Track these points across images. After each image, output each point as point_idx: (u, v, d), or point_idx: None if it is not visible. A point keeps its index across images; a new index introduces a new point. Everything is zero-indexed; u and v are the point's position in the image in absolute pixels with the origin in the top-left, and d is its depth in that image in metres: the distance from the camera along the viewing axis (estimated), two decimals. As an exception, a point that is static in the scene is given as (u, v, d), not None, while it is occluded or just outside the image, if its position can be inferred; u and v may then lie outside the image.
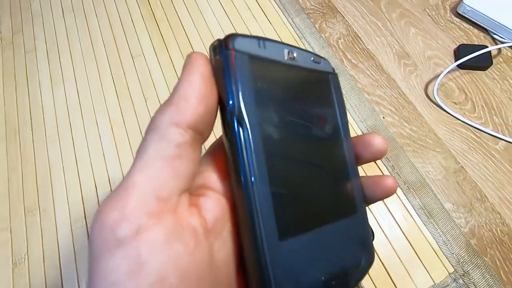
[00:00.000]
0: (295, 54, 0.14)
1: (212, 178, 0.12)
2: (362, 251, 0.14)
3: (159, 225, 0.10)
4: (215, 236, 0.11)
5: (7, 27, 0.47)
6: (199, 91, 0.11)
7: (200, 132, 0.11)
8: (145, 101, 0.38)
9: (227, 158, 0.12)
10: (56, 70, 0.42)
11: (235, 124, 0.11)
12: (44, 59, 0.43)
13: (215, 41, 0.12)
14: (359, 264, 0.14)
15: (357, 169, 0.16)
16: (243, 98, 0.11)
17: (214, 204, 0.12)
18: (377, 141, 0.15)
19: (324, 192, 0.14)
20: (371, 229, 0.30)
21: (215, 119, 0.12)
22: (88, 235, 0.32)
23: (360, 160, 0.16)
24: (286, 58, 0.14)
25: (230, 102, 0.11)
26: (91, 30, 0.45)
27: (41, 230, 0.32)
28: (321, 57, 0.16)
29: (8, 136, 0.38)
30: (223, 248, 0.12)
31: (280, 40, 0.15)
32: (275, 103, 0.13)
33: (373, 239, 0.29)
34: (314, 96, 0.15)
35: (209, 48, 0.13)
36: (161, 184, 0.10)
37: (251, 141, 0.11)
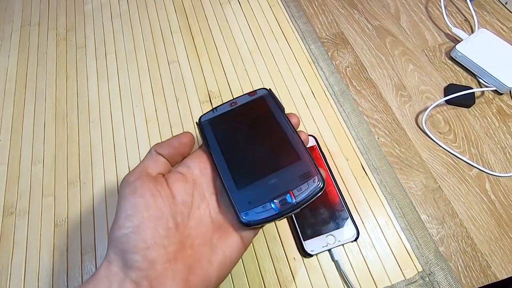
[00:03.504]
0: (236, 101, 0.27)
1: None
2: (306, 180, 0.22)
3: (145, 177, 0.22)
4: (173, 186, 0.23)
5: (62, 25, 0.54)
6: (176, 147, 0.25)
7: (171, 160, 0.25)
8: (177, 102, 0.45)
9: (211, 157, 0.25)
10: (102, 66, 0.49)
11: (208, 147, 0.25)
12: (92, 55, 0.50)
13: (196, 122, 0.27)
14: (306, 188, 0.22)
15: (297, 136, 0.24)
16: (208, 137, 0.26)
17: (177, 176, 0.24)
18: (294, 120, 0.26)
19: (270, 156, 0.24)
20: (357, 229, 0.36)
21: (180, 158, 0.25)
22: (120, 208, 0.38)
23: None
24: (230, 107, 0.27)
25: (204, 141, 0.26)
26: (135, 36, 0.52)
27: (80, 200, 0.38)
28: (255, 90, 0.27)
29: (57, 118, 0.44)
30: (178, 192, 0.23)
31: (228, 99, 0.29)
32: (229, 131, 0.25)
33: (357, 238, 0.35)
34: (254, 113, 0.26)
35: (196, 123, 0.27)
36: (148, 168, 0.23)
37: (212, 148, 0.25)
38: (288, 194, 0.22)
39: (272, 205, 0.21)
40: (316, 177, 0.22)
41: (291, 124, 0.25)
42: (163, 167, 0.23)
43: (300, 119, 0.32)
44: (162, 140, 0.25)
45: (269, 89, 0.27)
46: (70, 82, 0.48)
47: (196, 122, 0.27)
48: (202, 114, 0.27)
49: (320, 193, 0.22)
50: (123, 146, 0.42)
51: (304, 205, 0.22)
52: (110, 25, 0.53)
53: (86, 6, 0.56)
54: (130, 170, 0.41)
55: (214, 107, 0.27)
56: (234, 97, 0.28)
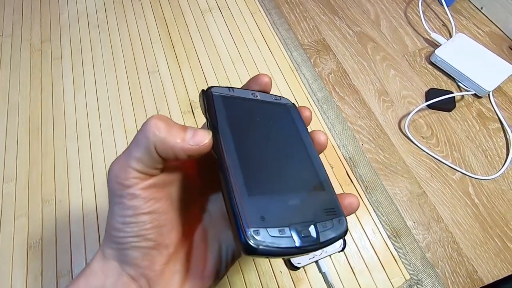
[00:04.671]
0: (258, 95, 0.21)
1: None
2: (331, 218, 0.17)
3: (142, 182, 0.17)
4: (170, 188, 0.19)
5: (37, 35, 0.52)
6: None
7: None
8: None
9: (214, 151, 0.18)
10: (79, 77, 0.47)
11: (216, 127, 0.18)
12: (68, 66, 0.48)
13: (202, 90, 0.20)
14: (331, 227, 0.17)
15: (322, 164, 0.20)
16: (219, 116, 0.18)
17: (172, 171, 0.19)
18: (322, 138, 0.21)
19: (290, 172, 0.19)
20: (344, 239, 0.35)
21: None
22: (98, 226, 0.36)
23: None
24: (251, 96, 0.21)
25: (213, 119, 0.18)
26: (113, 46, 0.50)
27: (55, 219, 0.37)
28: (281, 96, 0.22)
29: (31, 132, 0.42)
30: (176, 192, 0.19)
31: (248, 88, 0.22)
32: (246, 120, 0.19)
33: (344, 247, 0.34)
34: (277, 116, 0.21)
35: (200, 93, 0.20)
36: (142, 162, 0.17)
37: (221, 138, 0.17)
38: (313, 226, 0.16)
39: (292, 233, 0.15)
40: (342, 217, 0.18)
41: (315, 147, 0.20)
42: (157, 170, 0.17)
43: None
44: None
45: (293, 104, 0.22)
46: (45, 95, 0.46)
47: (203, 90, 0.20)
48: (213, 86, 0.20)
49: (341, 239, 0.17)
50: (101, 160, 0.40)
51: (324, 247, 0.17)
52: (87, 35, 0.52)
53: (62, 16, 0.54)
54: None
55: (230, 86, 0.21)
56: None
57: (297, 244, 0.15)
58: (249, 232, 0.14)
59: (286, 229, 0.15)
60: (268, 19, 0.52)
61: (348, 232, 0.31)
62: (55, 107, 0.45)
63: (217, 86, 0.20)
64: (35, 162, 0.40)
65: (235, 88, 0.20)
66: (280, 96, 0.22)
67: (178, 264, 0.19)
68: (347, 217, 0.18)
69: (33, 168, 0.40)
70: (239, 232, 0.15)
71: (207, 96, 0.19)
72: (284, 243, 0.15)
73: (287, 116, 0.21)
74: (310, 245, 0.16)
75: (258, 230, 0.15)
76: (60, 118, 0.44)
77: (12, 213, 0.37)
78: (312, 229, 0.16)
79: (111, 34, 0.52)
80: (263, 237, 0.15)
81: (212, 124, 0.18)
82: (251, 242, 0.14)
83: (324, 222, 0.17)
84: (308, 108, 0.22)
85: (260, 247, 0.14)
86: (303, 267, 0.33)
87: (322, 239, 0.16)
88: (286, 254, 0.15)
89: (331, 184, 0.19)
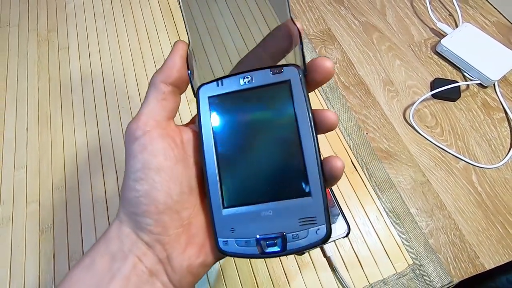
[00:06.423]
0: (251, 77, 0.19)
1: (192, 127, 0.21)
2: (307, 227, 0.17)
3: (154, 131, 0.18)
4: (186, 147, 0.19)
5: (44, 25, 0.52)
6: (177, 65, 0.19)
7: (178, 87, 0.19)
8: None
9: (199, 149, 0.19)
10: (86, 67, 0.48)
11: (200, 132, 0.19)
12: (75, 56, 0.49)
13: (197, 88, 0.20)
14: (303, 237, 0.17)
15: (318, 161, 0.17)
16: (203, 120, 0.19)
17: (190, 133, 0.20)
18: (328, 64, 0.18)
19: (272, 179, 0.18)
20: (348, 225, 0.36)
21: (187, 81, 0.20)
22: (108, 212, 0.37)
23: (313, 83, 0.18)
24: (241, 84, 0.19)
25: (198, 126, 0.19)
26: (119, 35, 0.51)
27: (66, 205, 0.37)
28: (282, 66, 0.19)
29: (40, 121, 0.43)
30: (191, 153, 0.20)
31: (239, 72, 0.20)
32: (230, 122, 0.19)
33: (349, 233, 0.35)
34: (270, 104, 0.19)
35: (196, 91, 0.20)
36: (155, 113, 0.19)
37: (204, 142, 0.19)
38: (280, 239, 0.17)
39: (258, 244, 0.17)
40: (321, 227, 0.17)
41: (317, 140, 0.17)
42: (172, 102, 0.19)
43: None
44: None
45: (302, 69, 0.18)
46: (52, 84, 0.46)
47: (196, 90, 0.20)
48: (203, 83, 0.20)
49: (318, 246, 0.17)
50: (109, 148, 0.41)
51: (291, 254, 0.18)
52: (94, 24, 0.52)
53: (68, 6, 0.54)
54: (117, 170, 0.42)
55: (221, 76, 0.20)
56: (250, 70, 0.19)
57: (261, 253, 0.17)
58: (220, 242, 0.18)
59: (252, 240, 0.17)
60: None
61: (350, 228, 0.33)
62: (63, 96, 0.45)
63: (205, 84, 0.20)
64: (45, 150, 0.41)
65: (225, 78, 0.19)
66: (282, 66, 0.19)
67: (194, 228, 0.19)
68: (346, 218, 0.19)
69: (43, 156, 0.41)
70: (214, 238, 0.18)
71: (196, 99, 0.20)
72: (249, 251, 0.18)
73: (284, 100, 0.18)
74: (272, 254, 0.17)
75: (227, 240, 0.18)
76: (68, 107, 0.44)
77: (24, 199, 0.38)
78: (279, 241, 0.17)
79: (117, 23, 0.52)
80: (230, 246, 0.18)
81: (197, 126, 0.19)
82: (221, 249, 0.18)
83: (296, 232, 0.17)
84: (328, 58, 0.18)
85: (228, 252, 0.18)
86: (308, 251, 0.34)
87: (289, 248, 0.17)
88: (252, 258, 0.19)
89: (323, 187, 0.17)
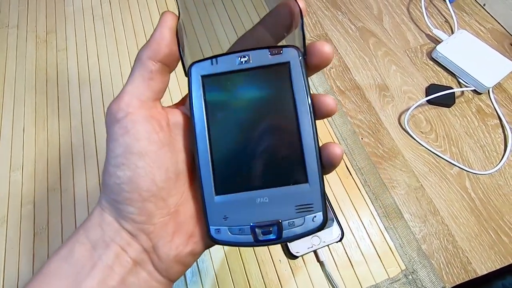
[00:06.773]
0: (249, 56, 0.17)
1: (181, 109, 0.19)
2: (303, 215, 0.17)
3: (138, 112, 0.16)
4: (174, 130, 0.18)
5: (42, 27, 0.53)
6: (166, 39, 0.17)
7: (167, 64, 0.17)
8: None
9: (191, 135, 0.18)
10: (83, 69, 0.48)
11: (192, 115, 0.17)
12: (73, 58, 0.49)
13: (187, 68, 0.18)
14: (299, 225, 0.17)
15: (316, 147, 0.17)
16: (195, 101, 0.18)
17: (178, 115, 0.18)
18: (326, 48, 0.17)
19: (268, 164, 0.17)
20: (342, 230, 0.36)
21: (178, 58, 0.18)
22: (103, 214, 0.37)
23: (311, 67, 0.17)
24: (237, 64, 0.17)
25: (190, 109, 0.18)
26: (118, 38, 0.51)
27: (61, 207, 0.38)
28: (281, 47, 0.17)
29: (37, 123, 0.43)
30: (179, 137, 0.18)
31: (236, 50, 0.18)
32: (225, 103, 0.18)
33: (342, 238, 0.35)
34: (268, 86, 0.18)
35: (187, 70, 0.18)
36: (140, 92, 0.17)
37: (196, 125, 0.17)
38: (275, 226, 0.17)
39: (252, 231, 0.17)
40: (317, 214, 0.17)
41: (315, 125, 0.17)
42: (160, 82, 0.17)
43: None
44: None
45: (302, 51, 0.17)
46: (50, 86, 0.47)
47: (187, 69, 0.18)
48: (196, 60, 0.18)
49: (314, 233, 0.17)
50: (105, 151, 0.41)
51: (286, 242, 0.17)
52: (92, 27, 0.52)
53: (67, 8, 0.55)
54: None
55: (215, 54, 0.18)
56: (248, 49, 0.18)
57: (255, 240, 0.17)
58: (212, 230, 0.17)
59: (247, 227, 0.17)
60: (271, 13, 0.53)
61: (343, 233, 0.33)
62: (60, 98, 0.45)
63: (198, 61, 0.18)
64: (41, 152, 0.41)
65: (220, 56, 0.18)
66: (281, 47, 0.17)
67: (182, 216, 0.18)
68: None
69: (39, 158, 0.41)
70: (206, 226, 0.17)
71: (188, 78, 0.18)
72: (243, 239, 0.17)
73: (283, 83, 0.17)
74: (268, 241, 0.17)
75: (219, 228, 0.17)
76: (65, 109, 0.44)
77: (19, 200, 0.38)
78: (274, 228, 0.17)
79: (116, 26, 0.52)
80: (223, 234, 0.17)
81: (189, 109, 0.18)
82: (213, 237, 0.17)
83: (292, 220, 0.17)
84: (328, 43, 0.17)
85: (221, 240, 0.17)
86: (301, 256, 0.34)
87: (284, 236, 0.17)
88: (245, 246, 0.18)
89: (321, 174, 0.17)
